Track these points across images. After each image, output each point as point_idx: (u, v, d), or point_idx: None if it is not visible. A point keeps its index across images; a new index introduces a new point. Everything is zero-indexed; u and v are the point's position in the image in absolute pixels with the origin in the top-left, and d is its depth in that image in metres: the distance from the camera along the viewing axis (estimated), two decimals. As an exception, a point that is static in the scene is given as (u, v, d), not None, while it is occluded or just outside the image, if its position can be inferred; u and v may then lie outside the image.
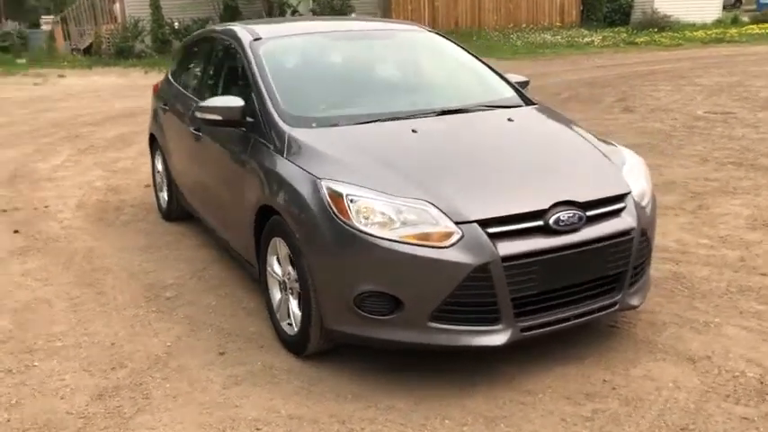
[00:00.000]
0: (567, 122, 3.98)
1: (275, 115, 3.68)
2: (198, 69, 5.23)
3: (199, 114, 3.89)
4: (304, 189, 3.23)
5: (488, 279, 2.94)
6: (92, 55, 21.47)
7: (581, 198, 3.17)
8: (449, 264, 2.93)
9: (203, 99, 4.33)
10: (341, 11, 21.62)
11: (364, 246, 2.98)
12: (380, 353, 3.31)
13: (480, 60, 4.60)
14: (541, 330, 3.12)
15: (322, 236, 3.12)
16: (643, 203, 3.42)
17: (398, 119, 3.71)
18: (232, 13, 21.13)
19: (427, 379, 3.21)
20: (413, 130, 3.58)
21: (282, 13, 21.76)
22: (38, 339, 3.75)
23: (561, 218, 3.07)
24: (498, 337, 3.02)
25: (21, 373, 3.41)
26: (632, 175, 3.52)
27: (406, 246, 2.95)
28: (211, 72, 4.87)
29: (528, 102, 4.24)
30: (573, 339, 3.48)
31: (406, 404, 3.04)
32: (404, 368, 3.29)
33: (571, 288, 3.16)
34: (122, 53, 20.52)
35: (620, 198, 3.31)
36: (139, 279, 4.57)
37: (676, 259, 4.56)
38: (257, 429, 2.91)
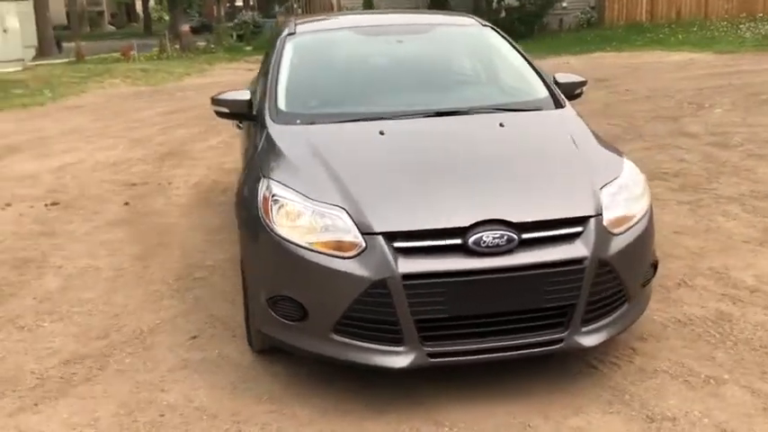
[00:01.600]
0: (573, 131, 3.54)
1: (266, 110, 3.74)
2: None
3: (213, 107, 4.06)
4: (251, 186, 3.26)
5: (388, 296, 2.75)
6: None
7: (515, 218, 2.83)
8: (348, 276, 2.80)
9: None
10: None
11: (276, 248, 2.95)
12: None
13: (525, 58, 4.24)
14: (455, 359, 2.86)
15: (250, 234, 3.14)
16: (617, 230, 2.96)
17: (382, 119, 3.58)
18: (440, 4, 21.38)
19: (348, 393, 3.09)
20: (380, 132, 3.43)
21: (489, 4, 21.62)
22: (64, 304, 4.19)
23: (484, 238, 2.77)
24: (399, 360, 2.83)
25: (28, 332, 3.85)
26: (617, 196, 3.06)
27: (311, 253, 2.87)
28: (267, 66, 5.05)
29: (558, 105, 3.85)
30: (531, 373, 3.13)
31: (309, 415, 2.97)
32: (338, 379, 3.18)
33: (497, 317, 2.85)
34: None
35: (574, 222, 2.90)
36: (186, 258, 4.89)
37: (737, 298, 3.88)
38: (160, 416, 3.02)
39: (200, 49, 24.88)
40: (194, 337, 3.71)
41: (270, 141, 3.50)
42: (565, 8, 22.88)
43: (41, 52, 25.00)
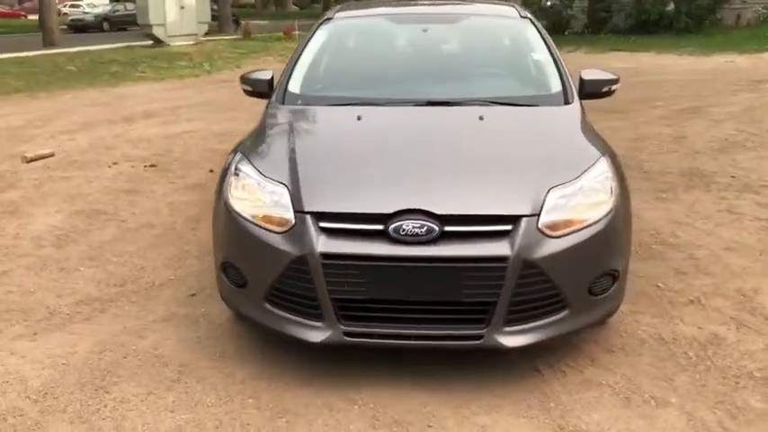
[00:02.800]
0: (558, 129, 3.43)
1: (276, 91, 3.96)
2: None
3: (241, 85, 4.34)
4: (229, 159, 3.50)
5: (308, 273, 2.87)
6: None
7: (439, 210, 2.83)
8: (276, 250, 2.95)
9: None
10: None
11: (227, 218, 3.16)
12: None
13: (552, 53, 4.11)
14: (372, 341, 2.92)
15: (216, 203, 3.38)
16: (555, 233, 2.86)
17: (372, 104, 3.69)
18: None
19: (287, 362, 3.23)
20: (358, 117, 3.52)
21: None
22: (107, 253, 4.69)
23: (404, 227, 2.81)
24: (317, 334, 2.94)
25: (66, 273, 4.37)
26: (567, 199, 2.96)
27: (253, 226, 3.05)
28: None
29: (568, 101, 3.76)
30: (472, 370, 3.13)
31: (243, 377, 3.16)
32: (291, 350, 3.32)
33: (416, 305, 2.87)
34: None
35: (502, 220, 2.85)
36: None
37: (745, 323, 3.58)
38: (123, 357, 3.36)
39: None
40: (193, 295, 4.03)
41: (263, 118, 3.72)
42: (744, 2, 21.03)
43: (219, 29, 26.97)
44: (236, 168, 3.26)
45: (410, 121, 3.58)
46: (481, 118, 3.51)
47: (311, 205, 2.95)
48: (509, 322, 2.87)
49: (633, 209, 3.42)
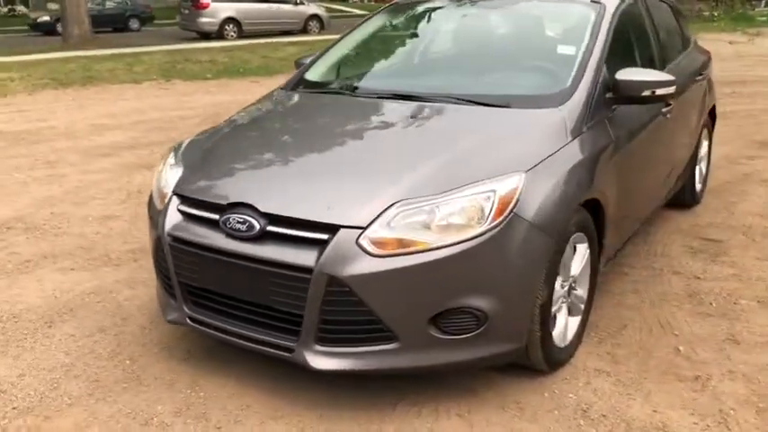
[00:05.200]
0: (494, 138, 2.93)
1: (294, 76, 4.01)
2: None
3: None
4: None
5: (163, 252, 2.94)
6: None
7: (263, 207, 2.65)
8: (151, 227, 3.07)
9: None
10: None
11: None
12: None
13: (590, 48, 3.42)
14: (208, 331, 2.88)
15: None
16: (380, 251, 2.49)
17: (343, 94, 3.61)
18: None
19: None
20: (323, 105, 3.57)
21: None
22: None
23: (230, 220, 2.70)
24: (170, 313, 3.00)
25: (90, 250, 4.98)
26: (411, 217, 2.54)
27: (151, 203, 3.19)
28: None
29: (561, 103, 3.16)
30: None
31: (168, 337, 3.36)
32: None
33: (242, 303, 2.76)
34: None
35: (322, 228, 2.55)
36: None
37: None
38: (89, 293, 3.79)
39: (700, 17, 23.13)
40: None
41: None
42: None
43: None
44: (175, 147, 3.42)
45: (344, 116, 3.36)
46: (413, 117, 3.14)
47: (178, 187, 2.99)
48: (322, 341, 2.59)
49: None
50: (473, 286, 2.56)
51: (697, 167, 5.17)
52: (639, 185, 3.74)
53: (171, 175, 3.11)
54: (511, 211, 2.58)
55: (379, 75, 3.90)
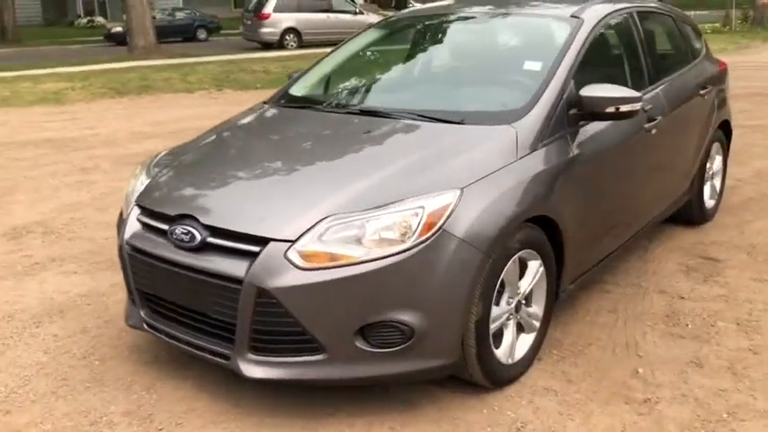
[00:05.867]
0: (431, 154, 2.96)
1: (279, 90, 4.13)
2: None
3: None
4: None
5: (123, 260, 3.09)
6: None
7: (204, 220, 2.78)
8: (117, 234, 3.24)
9: None
10: None
11: None
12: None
13: (558, 62, 3.42)
14: (162, 336, 3.01)
15: None
16: (307, 265, 2.56)
17: (313, 109, 3.69)
18: None
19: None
20: (288, 118, 3.68)
21: None
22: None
23: (176, 231, 2.83)
24: (129, 318, 3.15)
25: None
26: (340, 232, 2.62)
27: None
28: None
29: (514, 120, 3.17)
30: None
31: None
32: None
33: (187, 310, 2.88)
34: None
35: (254, 240, 2.65)
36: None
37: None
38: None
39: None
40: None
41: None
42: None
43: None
44: (154, 157, 3.58)
45: (303, 131, 3.45)
46: (368, 132, 3.21)
47: (139, 198, 3.14)
48: (255, 350, 2.69)
49: None
50: (399, 301, 2.60)
51: (707, 184, 5.03)
52: (613, 203, 3.69)
53: (138, 186, 3.27)
54: (440, 227, 2.62)
55: (350, 90, 3.99)
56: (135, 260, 3.01)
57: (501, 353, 2.96)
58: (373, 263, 2.55)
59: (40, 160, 7.52)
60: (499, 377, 2.97)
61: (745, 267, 4.30)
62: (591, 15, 3.74)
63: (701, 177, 4.84)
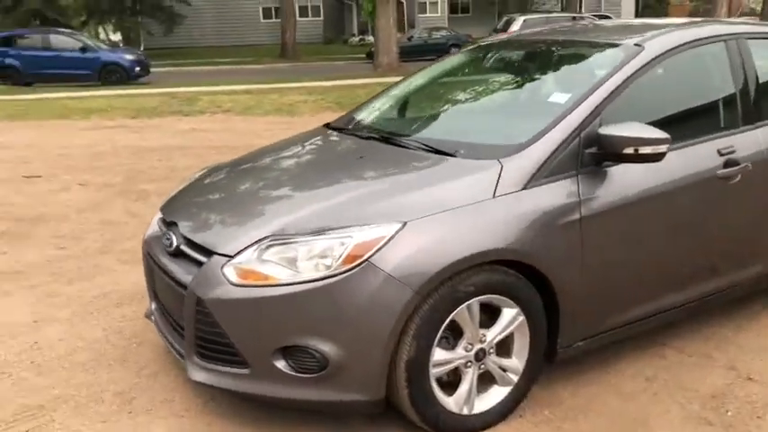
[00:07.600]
0: (403, 185, 2.92)
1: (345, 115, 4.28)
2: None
3: None
4: None
5: (143, 256, 3.47)
6: None
7: (183, 229, 3.06)
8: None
9: None
10: None
11: None
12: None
13: (586, 97, 3.12)
14: (156, 329, 3.31)
15: None
16: (240, 281, 2.67)
17: (346, 134, 3.77)
18: None
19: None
20: (317, 142, 3.80)
21: None
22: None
23: (166, 235, 3.11)
24: (148, 310, 3.50)
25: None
26: (279, 254, 2.69)
27: None
28: None
29: (504, 155, 2.98)
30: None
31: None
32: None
33: (165, 308, 3.17)
34: None
35: (203, 251, 2.86)
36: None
37: None
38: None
39: None
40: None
41: None
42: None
43: None
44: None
45: (315, 154, 3.62)
46: (361, 157, 3.20)
47: (163, 204, 3.50)
48: (200, 355, 2.85)
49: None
50: (315, 327, 2.60)
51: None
52: (651, 261, 3.19)
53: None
54: (366, 259, 2.57)
55: (384, 116, 3.95)
56: (146, 258, 3.36)
57: (452, 401, 2.79)
58: (293, 286, 2.59)
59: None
60: (445, 426, 2.80)
61: None
62: (658, 44, 3.32)
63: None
